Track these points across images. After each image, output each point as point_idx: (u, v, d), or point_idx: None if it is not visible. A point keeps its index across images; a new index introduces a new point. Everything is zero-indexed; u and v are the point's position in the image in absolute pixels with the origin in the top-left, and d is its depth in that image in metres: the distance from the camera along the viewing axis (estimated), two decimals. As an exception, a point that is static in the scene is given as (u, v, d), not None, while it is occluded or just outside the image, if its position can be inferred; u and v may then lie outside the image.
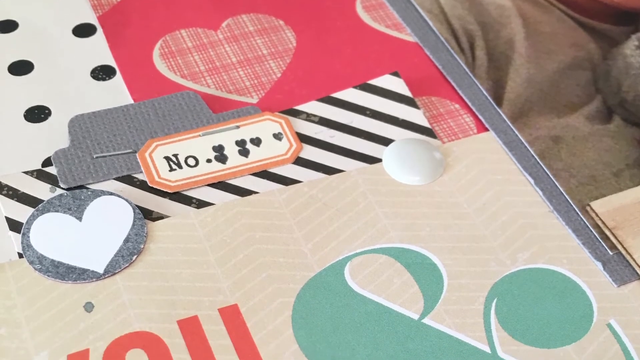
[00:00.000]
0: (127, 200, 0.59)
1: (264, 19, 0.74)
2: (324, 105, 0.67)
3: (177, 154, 0.62)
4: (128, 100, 0.67)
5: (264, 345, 0.53)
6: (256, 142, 0.64)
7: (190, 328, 0.54)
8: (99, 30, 0.72)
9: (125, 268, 0.56)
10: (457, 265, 0.58)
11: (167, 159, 0.62)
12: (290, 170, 0.63)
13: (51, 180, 0.61)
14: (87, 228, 0.58)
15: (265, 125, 0.65)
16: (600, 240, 0.60)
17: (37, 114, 0.66)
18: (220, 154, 0.63)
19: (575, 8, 0.76)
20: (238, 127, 0.64)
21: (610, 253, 0.59)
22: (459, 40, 0.73)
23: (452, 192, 0.62)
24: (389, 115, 0.67)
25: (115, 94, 0.68)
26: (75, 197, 0.59)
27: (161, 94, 0.67)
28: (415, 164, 0.63)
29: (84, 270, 0.56)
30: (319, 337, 0.54)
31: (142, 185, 0.61)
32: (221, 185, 0.61)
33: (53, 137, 0.64)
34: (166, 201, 0.60)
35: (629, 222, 0.60)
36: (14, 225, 0.58)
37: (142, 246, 0.57)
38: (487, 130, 0.67)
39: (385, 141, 0.65)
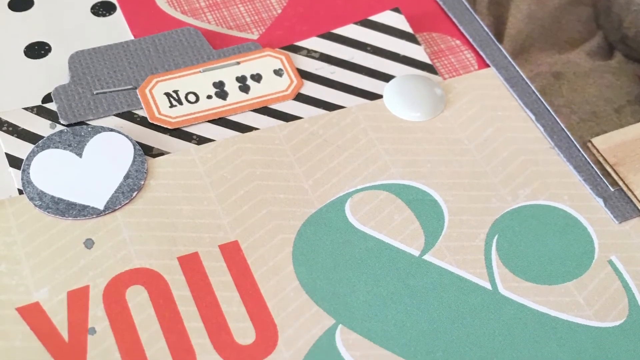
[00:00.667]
0: (127, 136, 0.56)
1: (264, -45, 0.71)
2: (325, 42, 0.64)
3: (178, 90, 0.59)
4: (128, 36, 0.64)
5: (264, 281, 0.51)
6: (257, 78, 0.61)
7: (191, 264, 0.51)
8: (99, -34, 0.69)
9: (125, 204, 0.54)
10: (458, 202, 0.56)
11: (168, 95, 0.59)
12: (290, 107, 0.60)
13: (51, 116, 0.58)
14: (87, 164, 0.55)
15: (265, 62, 0.62)
16: (602, 177, 0.57)
17: (37, 50, 0.63)
18: (220, 90, 0.60)
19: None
20: (238, 63, 0.61)
21: (612, 189, 0.57)
22: (459, -24, 0.69)
23: (453, 129, 0.59)
24: (389, 52, 0.64)
25: (116, 30, 0.65)
26: (75, 134, 0.56)
27: (161, 30, 0.64)
28: (416, 100, 0.60)
29: (84, 207, 0.53)
30: (319, 274, 0.51)
31: (143, 122, 0.58)
32: (221, 121, 0.59)
33: (53, 73, 0.61)
34: (166, 137, 0.58)
35: (630, 159, 0.58)
36: (14, 162, 0.55)
37: (142, 182, 0.55)
38: (488, 66, 0.64)
39: (385, 77, 0.62)
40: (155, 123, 0.58)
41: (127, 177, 0.55)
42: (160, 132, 0.58)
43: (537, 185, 0.57)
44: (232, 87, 0.60)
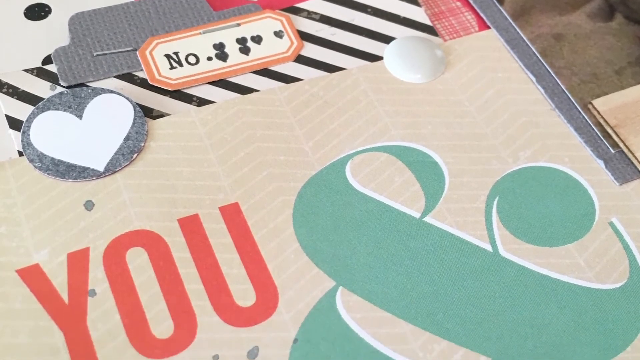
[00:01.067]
0: (127, 98, 0.55)
1: None
2: (325, 3, 0.62)
3: (178, 52, 0.57)
4: (129, -3, 0.62)
5: (264, 243, 0.49)
6: (257, 40, 0.59)
7: (191, 226, 0.50)
8: None
9: (125, 166, 0.52)
10: (459, 164, 0.54)
11: (168, 56, 0.57)
12: (291, 68, 0.58)
13: (51, 78, 0.56)
14: (88, 126, 0.53)
15: (266, 23, 0.60)
16: (602, 139, 0.55)
17: (37, 12, 0.61)
18: (221, 52, 0.58)
19: None
20: (239, 24, 0.59)
21: (612, 151, 0.55)
22: (460, -63, 0.67)
23: (454, 90, 0.57)
24: (390, 13, 0.62)
25: (116, -9, 0.63)
26: (75, 95, 0.55)
27: (162, -9, 0.62)
28: (417, 62, 0.58)
29: (84, 169, 0.52)
30: (319, 236, 0.50)
31: (143, 83, 0.56)
32: (222, 83, 0.57)
33: (53, 35, 0.59)
34: (167, 99, 0.56)
35: (631, 120, 0.56)
36: (14, 124, 0.54)
37: (142, 144, 0.53)
38: (488, 28, 0.62)
39: (386, 39, 0.60)
40: (155, 85, 0.56)
41: (127, 138, 0.53)
42: (161, 93, 0.56)
43: (538, 147, 0.55)
44: (232, 48, 0.58)
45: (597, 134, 0.56)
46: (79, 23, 0.59)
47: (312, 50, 0.59)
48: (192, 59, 0.57)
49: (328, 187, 0.52)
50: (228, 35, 0.59)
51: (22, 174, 0.51)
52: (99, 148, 0.53)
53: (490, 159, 0.54)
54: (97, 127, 0.53)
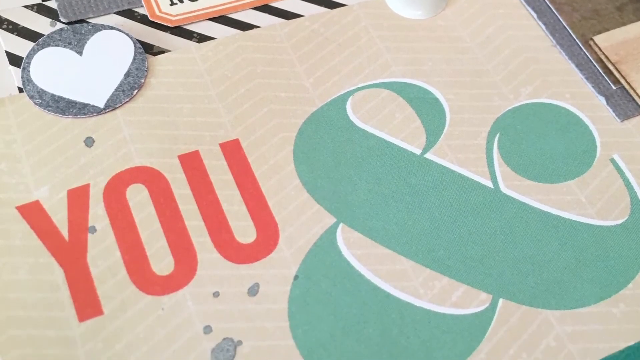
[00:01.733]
0: (127, 34, 0.51)
1: None
2: (326, -61, 0.58)
3: (178, -12, 0.54)
4: None
5: (265, 180, 0.47)
6: (258, -25, 0.56)
7: (191, 163, 0.47)
8: None
9: (126, 102, 0.49)
10: (460, 100, 0.51)
11: (168, -8, 0.54)
12: (291, 4, 0.55)
13: (51, 14, 0.53)
14: (88, 62, 0.50)
15: (266, -41, 0.56)
16: (604, 75, 0.52)
17: (37, -52, 0.57)
18: (221, -12, 0.55)
19: None
20: (239, -40, 0.56)
21: (614, 87, 0.52)
22: None
23: (455, 26, 0.54)
24: (391, -51, 0.58)
25: None
26: (75, 32, 0.51)
27: None
28: (418, -2, 0.55)
29: (85, 105, 0.48)
30: (320, 172, 0.47)
31: (143, 20, 0.53)
32: (222, 19, 0.53)
33: (53, -30, 0.56)
34: (167, 35, 0.52)
35: (633, 57, 0.52)
36: (14, 60, 0.50)
37: (142, 80, 0.50)
38: (489, -36, 0.58)
39: (387, -25, 0.57)
40: (155, 21, 0.53)
41: (127, 75, 0.50)
42: (161, 30, 0.53)
43: (539, 83, 0.52)
44: (232, -16, 0.55)
45: (598, 70, 0.53)
46: (79, -41, 0.55)
47: (312, -14, 0.56)
48: (192, -5, 0.54)
49: (329, 124, 0.49)
50: (228, -29, 0.55)
51: (22, 110, 0.48)
52: (99, 84, 0.49)
53: (491, 95, 0.51)
54: (98, 63, 0.50)
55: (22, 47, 0.51)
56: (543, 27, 0.54)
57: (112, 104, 0.49)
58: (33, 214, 0.45)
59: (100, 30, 0.51)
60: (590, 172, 0.48)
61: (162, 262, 0.44)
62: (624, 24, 0.55)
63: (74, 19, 0.52)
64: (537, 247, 0.45)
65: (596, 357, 0.42)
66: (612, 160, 0.49)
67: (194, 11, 0.53)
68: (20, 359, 0.40)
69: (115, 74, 0.50)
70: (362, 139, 0.48)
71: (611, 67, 0.52)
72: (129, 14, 0.53)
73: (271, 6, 0.54)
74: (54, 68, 0.50)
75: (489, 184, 0.47)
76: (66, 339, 0.41)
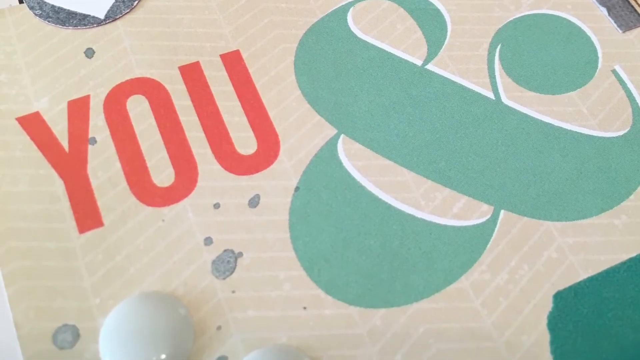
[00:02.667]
0: (127, -56, 0.47)
1: None
2: None
3: None
4: None
5: (266, 91, 0.42)
6: None
7: (192, 74, 0.43)
8: None
9: (126, 14, 0.44)
10: (461, 11, 0.46)
11: None
12: None
13: None
14: (88, -27, 0.46)
15: None
16: (606, -14, 0.48)
17: None
18: None
19: None
20: None
21: (616, -2, 0.47)
22: None
23: (456, -63, 0.49)
24: None
25: None
26: (75, -58, 0.47)
27: None
28: None
29: (85, 16, 0.44)
30: (321, 83, 0.43)
31: None
32: None
33: None
34: (167, -54, 0.48)
35: (635, -33, 0.48)
36: (14, -29, 0.46)
37: (142, -9, 0.45)
38: None
39: None
40: None
41: (127, -15, 0.45)
42: (161, -60, 0.48)
43: (541, -6, 0.47)
44: None
45: (600, -19, 0.48)
46: None
47: None
48: None
49: (329, 35, 0.44)
50: None
51: (22, 21, 0.44)
52: (99, -5, 0.45)
53: (493, 6, 0.46)
54: (98, -26, 0.46)
55: (21, -42, 0.46)
56: (545, -63, 0.50)
57: (113, 15, 0.44)
58: (33, 125, 0.41)
59: (100, -60, 0.47)
60: (592, 83, 0.44)
61: (162, 173, 0.40)
62: None
63: None
64: (538, 158, 0.41)
65: (598, 268, 0.38)
66: (614, 72, 0.44)
67: None
68: (20, 270, 0.37)
69: (116, -16, 0.45)
70: (363, 50, 0.44)
71: (613, -22, 0.48)
72: None
73: None
74: (53, -21, 0.45)
75: (491, 95, 0.43)
76: (66, 251, 0.37)
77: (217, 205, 0.39)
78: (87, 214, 0.38)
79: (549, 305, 0.37)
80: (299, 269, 0.38)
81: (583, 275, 0.38)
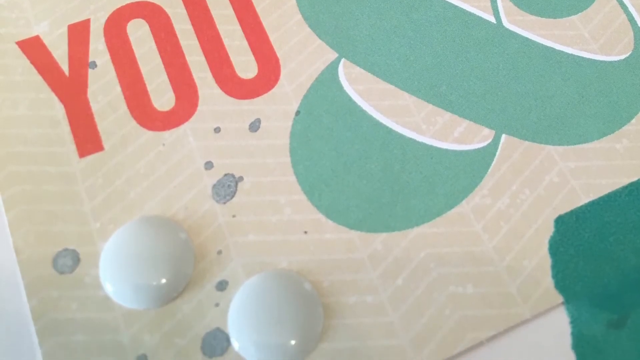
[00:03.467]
0: None
1: None
2: None
3: None
4: None
5: (266, 15, 0.39)
6: None
7: (192, -2, 0.39)
8: None
9: (125, -63, 0.40)
10: None
11: None
12: None
13: None
14: None
15: None
16: None
17: None
18: None
19: None
20: None
21: None
22: None
23: None
24: None
25: None
26: None
27: None
28: None
29: (84, -61, 0.40)
30: (322, 7, 0.39)
31: None
32: None
33: None
34: None
35: None
36: None
37: None
38: None
39: None
40: None
41: None
42: None
43: None
44: None
45: None
46: None
47: None
48: None
49: (330, -42, 0.41)
50: None
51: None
52: None
53: None
54: None
55: None
56: None
57: (112, -62, 0.40)
58: (33, 49, 0.37)
59: None
60: (594, 6, 0.40)
61: (163, 97, 0.36)
62: None
63: None
64: (539, 82, 0.38)
65: (599, 192, 0.35)
66: (616, -5, 0.41)
67: None
68: (19, 195, 0.34)
69: None
70: (364, -26, 0.40)
71: None
72: None
73: None
74: None
75: (492, 19, 0.39)
76: (66, 175, 0.34)
77: (217, 130, 0.36)
78: (87, 138, 0.35)
79: (550, 230, 0.34)
80: (300, 193, 0.34)
81: (584, 199, 0.35)
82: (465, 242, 0.34)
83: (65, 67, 0.37)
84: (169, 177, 0.35)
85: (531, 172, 0.35)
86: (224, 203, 0.34)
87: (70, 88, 0.36)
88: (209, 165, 0.35)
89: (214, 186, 0.34)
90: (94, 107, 0.36)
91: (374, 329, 0.32)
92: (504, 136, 0.36)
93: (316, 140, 0.36)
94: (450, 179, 0.35)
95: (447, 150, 0.36)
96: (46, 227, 0.33)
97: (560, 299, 0.33)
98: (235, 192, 0.34)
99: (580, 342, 0.32)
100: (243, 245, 0.33)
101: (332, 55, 0.38)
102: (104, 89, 0.36)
